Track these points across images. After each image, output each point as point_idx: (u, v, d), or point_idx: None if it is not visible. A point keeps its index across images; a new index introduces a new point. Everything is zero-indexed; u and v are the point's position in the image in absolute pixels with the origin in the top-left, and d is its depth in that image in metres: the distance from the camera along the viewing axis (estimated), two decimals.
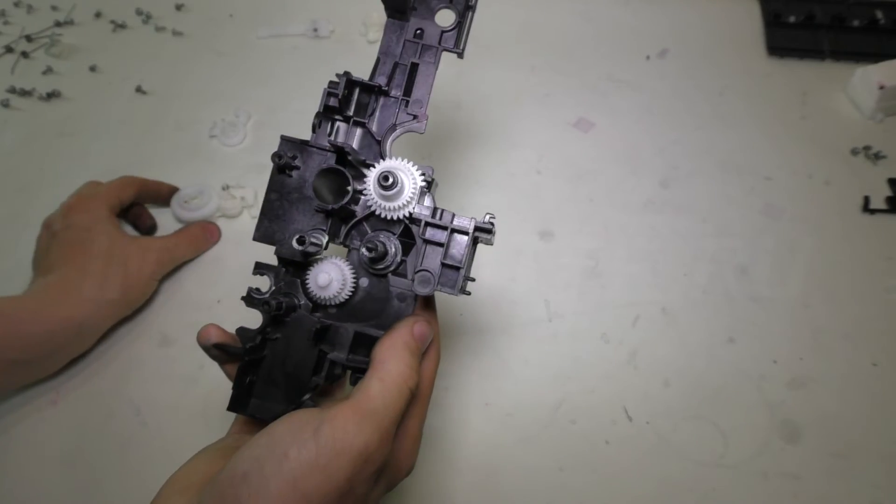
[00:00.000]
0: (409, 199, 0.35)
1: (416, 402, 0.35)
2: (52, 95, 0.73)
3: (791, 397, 0.54)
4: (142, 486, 0.52)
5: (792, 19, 0.75)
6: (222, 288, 0.60)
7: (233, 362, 0.37)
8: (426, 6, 0.39)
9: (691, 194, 0.65)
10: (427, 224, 0.36)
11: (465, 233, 0.36)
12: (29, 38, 0.78)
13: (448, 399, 0.55)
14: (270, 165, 0.38)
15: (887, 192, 0.64)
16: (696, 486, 0.51)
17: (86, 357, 0.57)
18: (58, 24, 0.80)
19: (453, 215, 0.36)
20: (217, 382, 0.56)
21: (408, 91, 0.38)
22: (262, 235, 0.37)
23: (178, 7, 0.80)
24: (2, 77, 0.75)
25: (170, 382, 0.56)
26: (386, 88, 0.38)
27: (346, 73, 0.36)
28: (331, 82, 0.36)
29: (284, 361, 0.35)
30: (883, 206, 0.63)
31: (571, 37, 0.77)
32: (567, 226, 0.63)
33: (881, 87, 0.66)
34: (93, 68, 0.76)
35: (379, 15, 0.76)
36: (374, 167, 0.36)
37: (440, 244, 0.36)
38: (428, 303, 0.39)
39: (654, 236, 0.63)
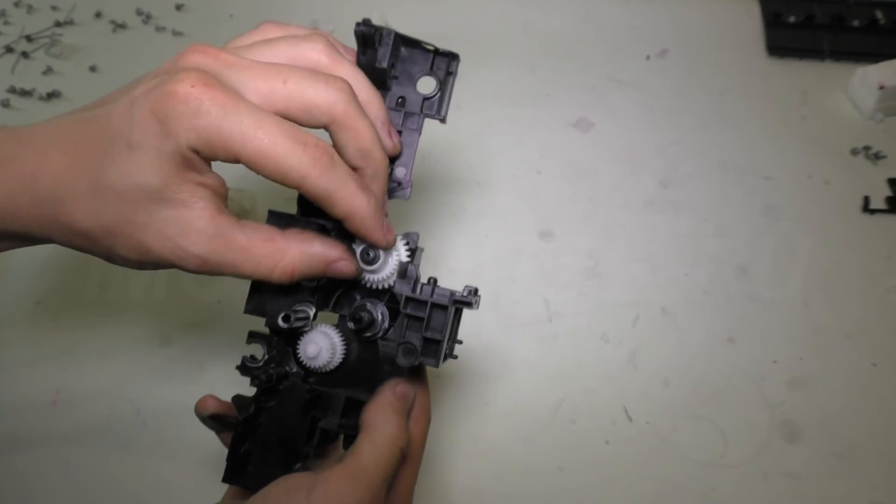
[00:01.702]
0: (394, 270, 0.36)
1: (406, 463, 0.36)
2: (52, 95, 0.73)
3: (791, 397, 0.54)
4: (142, 487, 0.52)
5: (792, 19, 0.75)
6: (222, 288, 0.60)
7: (229, 431, 0.38)
8: (407, 74, 0.39)
9: (691, 194, 0.65)
10: (408, 299, 0.36)
11: (444, 307, 0.36)
12: (29, 38, 0.78)
13: (447, 399, 0.55)
14: None
15: (887, 192, 0.64)
16: (696, 486, 0.51)
17: (86, 357, 0.57)
18: (58, 24, 0.80)
19: (433, 289, 0.36)
20: (217, 383, 0.56)
21: (392, 159, 0.38)
22: (252, 308, 0.38)
23: (178, 7, 0.80)
24: (2, 77, 0.75)
25: (170, 382, 0.56)
26: None
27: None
28: None
29: (279, 429, 0.36)
30: (883, 206, 0.64)
31: (571, 37, 0.77)
32: (567, 226, 0.63)
33: (881, 87, 0.67)
34: (93, 68, 0.76)
35: (379, 14, 0.76)
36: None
37: (421, 318, 0.36)
38: (417, 369, 0.39)
39: (654, 236, 0.63)
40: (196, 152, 0.30)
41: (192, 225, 0.31)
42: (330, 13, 0.77)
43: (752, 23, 0.77)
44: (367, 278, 0.36)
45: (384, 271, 0.36)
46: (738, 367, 0.56)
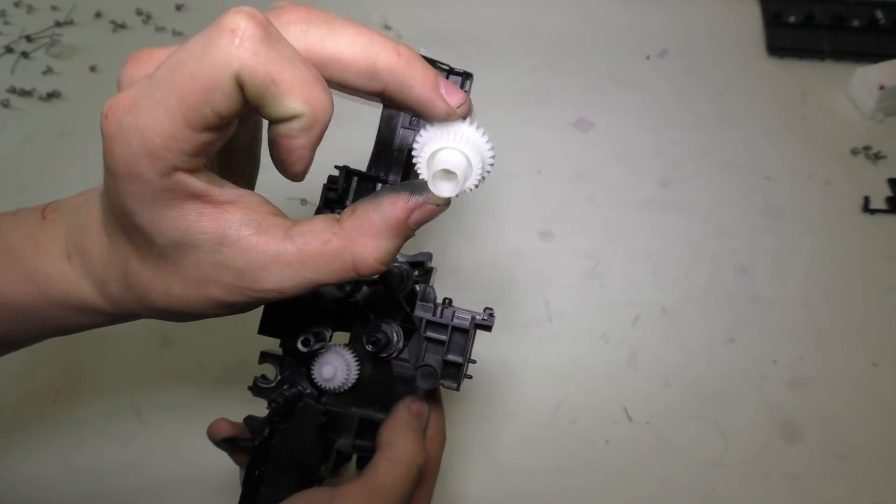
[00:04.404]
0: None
1: (422, 482, 0.36)
2: (52, 95, 0.73)
3: (791, 397, 0.54)
4: (142, 487, 0.52)
5: (792, 19, 0.75)
6: None
7: (242, 453, 0.38)
8: None
9: (691, 194, 0.65)
10: (428, 322, 0.37)
11: (465, 331, 0.36)
12: (29, 38, 0.78)
13: (446, 400, 0.55)
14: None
15: (887, 192, 0.64)
16: (696, 486, 0.51)
17: (86, 357, 0.57)
18: (58, 24, 0.79)
19: (453, 312, 0.37)
20: (217, 382, 0.56)
21: (405, 177, 0.38)
22: (267, 329, 0.38)
23: (178, 7, 0.80)
24: (2, 77, 0.75)
25: (170, 382, 0.56)
26: (384, 177, 0.38)
27: (346, 167, 0.36)
28: (330, 177, 0.36)
29: (293, 451, 0.36)
30: (883, 206, 0.63)
31: (571, 37, 0.77)
32: (567, 226, 0.63)
33: (881, 87, 0.66)
34: (93, 68, 0.76)
35: (379, 15, 0.76)
36: None
37: (441, 342, 0.36)
38: (433, 389, 0.39)
39: (654, 236, 0.63)
40: (185, 170, 0.25)
41: (238, 263, 0.26)
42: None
43: (752, 23, 0.77)
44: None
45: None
46: (738, 367, 0.56)
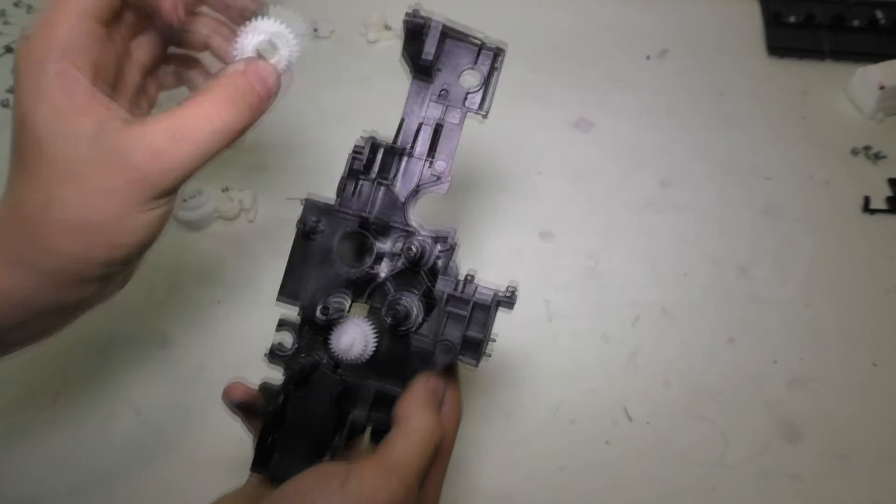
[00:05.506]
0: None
1: (437, 459, 0.36)
2: None
3: (791, 397, 0.54)
4: (142, 487, 0.52)
5: (792, 19, 0.75)
6: (222, 288, 0.60)
7: (255, 419, 0.38)
8: (451, 67, 0.39)
9: (691, 194, 0.65)
10: (450, 296, 0.37)
11: (487, 307, 0.36)
12: None
13: None
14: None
15: (887, 192, 0.64)
16: (696, 486, 0.51)
17: (86, 357, 0.57)
18: None
19: (476, 287, 0.36)
20: (217, 382, 0.56)
21: (431, 151, 0.38)
22: (286, 297, 0.38)
23: None
24: (2, 77, 0.75)
25: (170, 382, 0.56)
26: (410, 150, 0.38)
27: (371, 137, 0.37)
28: (356, 146, 0.36)
29: (307, 419, 0.36)
30: (883, 206, 0.64)
31: (571, 37, 0.77)
32: (567, 226, 0.63)
33: (881, 87, 0.66)
34: None
35: (379, 15, 0.76)
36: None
37: (462, 317, 0.36)
38: (450, 366, 0.39)
39: (654, 236, 0.63)
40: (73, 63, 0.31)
41: (133, 154, 0.31)
42: (329, 13, 0.77)
43: (752, 23, 0.77)
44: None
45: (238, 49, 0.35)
46: (738, 368, 0.56)
